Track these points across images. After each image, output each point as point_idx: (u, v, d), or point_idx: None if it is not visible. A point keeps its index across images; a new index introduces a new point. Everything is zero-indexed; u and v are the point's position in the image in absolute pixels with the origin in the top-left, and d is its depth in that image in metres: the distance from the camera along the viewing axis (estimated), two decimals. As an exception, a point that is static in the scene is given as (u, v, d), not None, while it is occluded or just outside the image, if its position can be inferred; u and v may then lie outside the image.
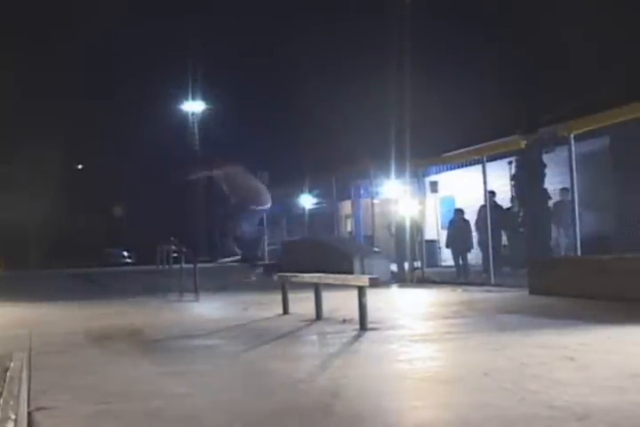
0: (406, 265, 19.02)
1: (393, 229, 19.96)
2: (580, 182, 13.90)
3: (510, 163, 19.27)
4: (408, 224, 18.92)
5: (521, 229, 17.80)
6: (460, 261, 18.57)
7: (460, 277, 17.94)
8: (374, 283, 8.51)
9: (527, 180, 17.85)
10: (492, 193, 17.43)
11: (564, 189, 16.35)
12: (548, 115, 18.66)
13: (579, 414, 4.27)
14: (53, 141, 45.59)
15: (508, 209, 18.22)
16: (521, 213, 17.85)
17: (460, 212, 19.02)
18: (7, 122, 44.39)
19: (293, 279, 11.06)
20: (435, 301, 13.46)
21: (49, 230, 48.64)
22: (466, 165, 20.03)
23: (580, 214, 14.98)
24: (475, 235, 18.37)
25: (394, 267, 19.47)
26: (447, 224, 19.83)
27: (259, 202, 11.75)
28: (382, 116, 23.53)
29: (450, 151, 20.63)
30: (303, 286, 10.71)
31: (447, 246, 19.27)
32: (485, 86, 23.85)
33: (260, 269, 12.21)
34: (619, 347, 6.85)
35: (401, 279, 18.22)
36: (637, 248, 12.35)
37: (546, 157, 17.52)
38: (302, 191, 28.70)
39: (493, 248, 16.66)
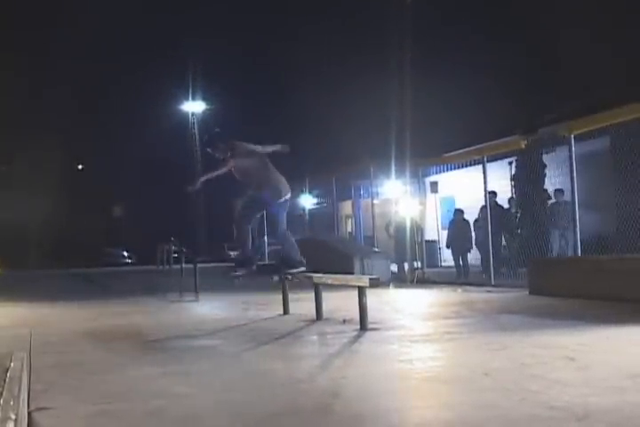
0: (406, 265, 19.02)
1: (391, 230, 19.95)
2: (580, 183, 13.90)
3: (511, 163, 19.27)
4: (408, 224, 18.92)
5: (518, 230, 17.75)
6: (461, 262, 18.56)
7: (460, 277, 17.94)
8: (374, 283, 8.51)
9: (527, 180, 17.85)
10: (494, 193, 17.42)
11: (558, 191, 16.33)
12: (548, 115, 18.68)
13: (579, 414, 4.27)
14: (54, 142, 45.63)
15: (507, 210, 18.20)
16: (518, 215, 17.80)
17: (460, 212, 19.01)
18: (8, 122, 44.42)
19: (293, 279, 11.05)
20: (435, 301, 13.46)
21: (49, 230, 48.65)
22: (466, 166, 20.04)
23: (574, 218, 15.03)
24: (474, 235, 18.36)
25: (394, 267, 19.47)
26: (447, 224, 19.83)
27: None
28: (382, 116, 23.55)
29: (450, 151, 20.64)
30: (303, 286, 10.71)
31: (447, 247, 19.25)
32: (486, 86, 23.87)
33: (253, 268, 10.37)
34: (618, 347, 6.85)
35: (401, 280, 18.21)
36: (638, 249, 12.36)
37: (546, 158, 17.53)
38: (302, 191, 28.70)
39: (494, 248, 16.67)
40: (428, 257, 19.92)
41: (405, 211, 19.47)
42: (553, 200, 16.89)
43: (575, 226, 13.67)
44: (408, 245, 18.81)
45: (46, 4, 51.19)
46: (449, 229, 19.30)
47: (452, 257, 19.25)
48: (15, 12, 49.96)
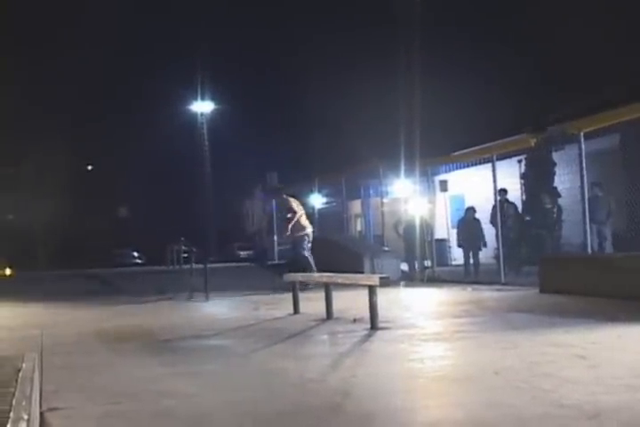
0: (417, 264, 18.94)
1: (400, 229, 19.87)
2: (590, 180, 13.88)
3: (520, 161, 19.20)
4: (418, 223, 18.85)
5: (556, 227, 17.32)
6: (471, 260, 18.47)
7: (469, 276, 17.85)
8: (385, 282, 8.50)
9: (536, 178, 17.76)
10: (504, 191, 17.34)
11: (595, 184, 15.99)
12: (556, 113, 18.60)
13: (590, 412, 4.27)
14: (62, 143, 45.73)
15: (544, 207, 17.81)
16: (555, 210, 17.36)
17: (471, 210, 18.89)
18: (16, 123, 44.51)
19: (304, 279, 11.07)
20: (445, 300, 13.43)
21: (58, 231, 48.73)
22: (475, 164, 19.98)
23: (611, 212, 14.99)
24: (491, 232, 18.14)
25: (404, 266, 19.40)
26: (457, 223, 19.74)
27: None
28: (392, 116, 23.55)
29: (459, 150, 20.60)
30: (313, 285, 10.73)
31: (459, 246, 19.14)
32: (494, 86, 23.84)
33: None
34: (629, 345, 6.84)
35: (411, 278, 18.16)
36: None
37: (555, 156, 17.45)
38: (312, 191, 28.69)
39: (512, 246, 16.58)
40: (438, 256, 19.84)
41: (415, 210, 19.40)
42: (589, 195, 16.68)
43: (585, 223, 13.64)
44: (418, 244, 18.72)
45: (54, 5, 51.29)
46: (458, 228, 19.22)
47: (462, 255, 19.16)
48: (23, 13, 50.06)
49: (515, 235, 17.58)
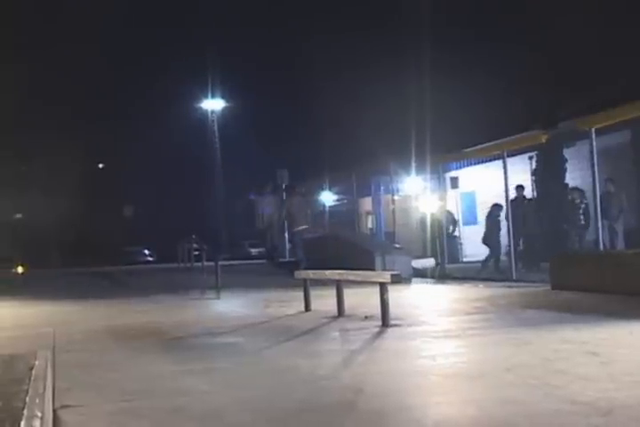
0: (440, 259, 18.77)
1: (428, 224, 19.52)
2: (601, 176, 13.86)
3: (531, 158, 19.15)
4: (443, 219, 18.71)
5: (582, 222, 17.11)
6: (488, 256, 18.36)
7: (485, 271, 17.75)
8: (396, 279, 8.50)
9: (547, 174, 17.69)
10: (522, 187, 17.27)
11: (609, 180, 15.86)
12: (567, 109, 18.54)
13: (602, 409, 4.26)
14: (73, 141, 45.81)
15: (571, 201, 17.63)
16: (582, 205, 17.15)
17: (496, 207, 18.56)
18: (27, 121, 44.63)
19: (314, 276, 11.07)
20: (456, 296, 13.40)
21: (70, 229, 48.86)
22: (486, 161, 19.95)
23: (623, 208, 14.91)
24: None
25: (415, 263, 19.29)
26: (469, 219, 19.63)
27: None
28: (402, 113, 23.51)
29: (470, 147, 20.56)
30: (325, 282, 10.73)
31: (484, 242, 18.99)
32: (505, 82, 23.78)
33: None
34: (642, 342, 6.83)
35: (422, 275, 18.12)
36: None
37: (566, 152, 17.39)
38: (322, 188, 28.71)
39: (529, 243, 16.52)
40: (449, 253, 19.78)
41: (437, 206, 19.25)
42: (603, 191, 16.57)
43: (597, 221, 13.61)
44: (437, 241, 18.59)
45: (66, 2, 51.37)
46: (487, 224, 19.02)
47: (473, 252, 19.09)
48: (36, 11, 50.18)
49: (532, 231, 17.48)
